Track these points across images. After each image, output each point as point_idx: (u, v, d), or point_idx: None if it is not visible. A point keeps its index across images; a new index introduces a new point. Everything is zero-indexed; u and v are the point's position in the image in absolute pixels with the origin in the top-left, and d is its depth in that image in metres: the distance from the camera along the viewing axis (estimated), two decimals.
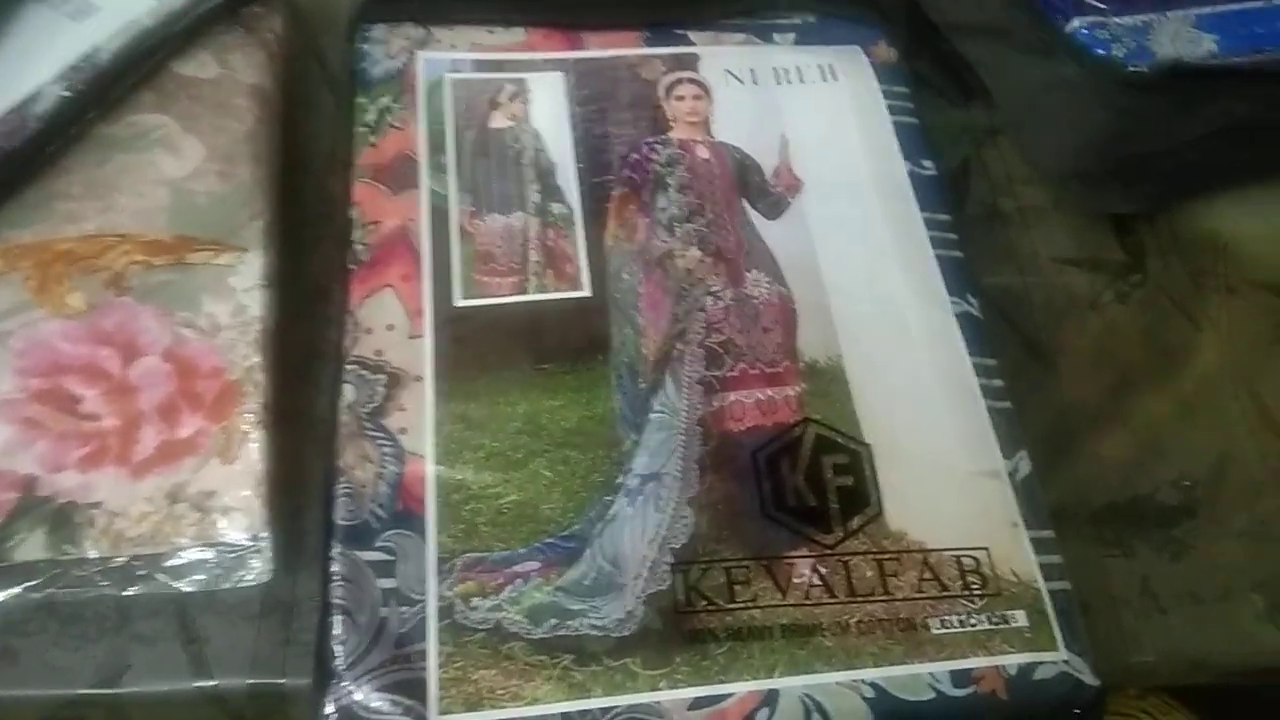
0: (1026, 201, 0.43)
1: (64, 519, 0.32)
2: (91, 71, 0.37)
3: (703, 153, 0.42)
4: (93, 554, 0.31)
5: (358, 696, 0.29)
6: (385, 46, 0.43)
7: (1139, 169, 0.40)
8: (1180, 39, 0.41)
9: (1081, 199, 0.42)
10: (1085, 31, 0.40)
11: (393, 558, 0.32)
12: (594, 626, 0.31)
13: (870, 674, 0.30)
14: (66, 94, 0.37)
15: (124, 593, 0.31)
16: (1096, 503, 0.36)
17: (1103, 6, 0.41)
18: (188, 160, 0.38)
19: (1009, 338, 0.39)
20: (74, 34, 0.38)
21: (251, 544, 0.32)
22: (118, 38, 0.38)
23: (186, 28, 0.40)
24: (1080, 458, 0.37)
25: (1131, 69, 0.39)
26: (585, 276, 0.38)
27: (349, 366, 0.35)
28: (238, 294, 0.36)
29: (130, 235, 0.36)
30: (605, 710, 0.29)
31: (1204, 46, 0.40)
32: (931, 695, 0.31)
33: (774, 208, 0.40)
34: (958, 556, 0.33)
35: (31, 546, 0.31)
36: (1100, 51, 0.40)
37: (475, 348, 0.36)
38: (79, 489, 0.32)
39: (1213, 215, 0.43)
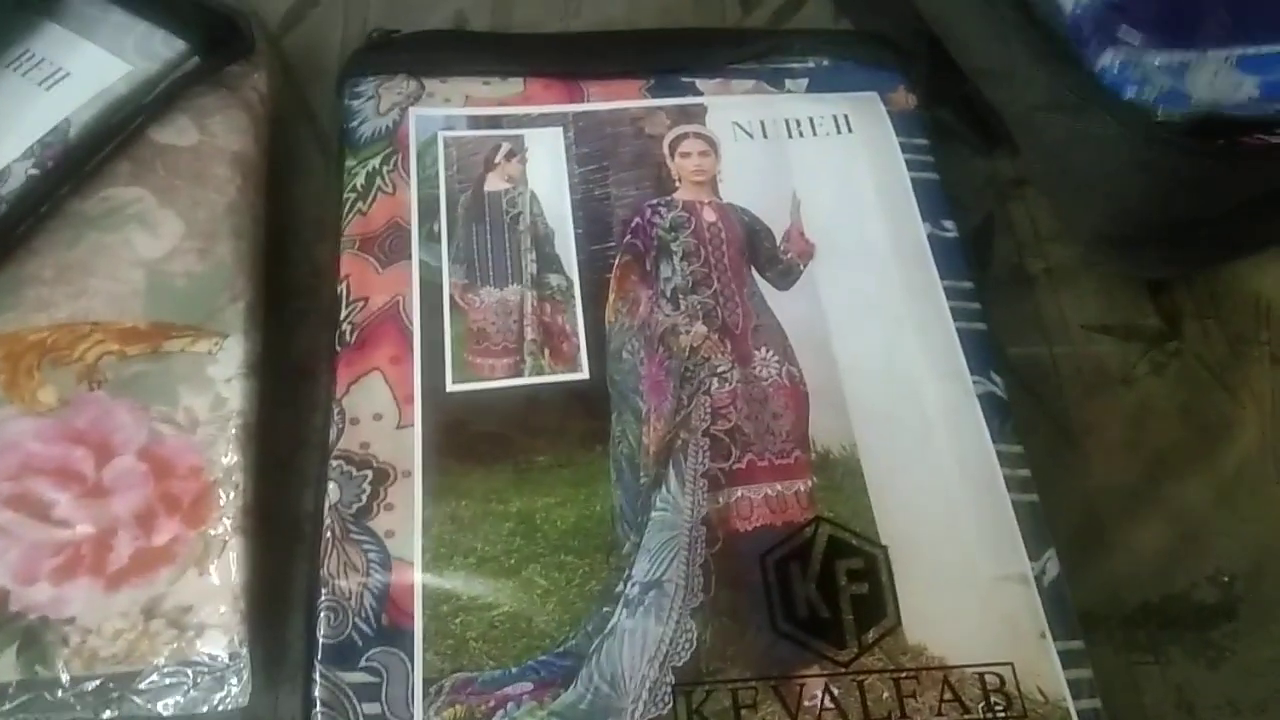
0: (1054, 261, 0.41)
1: (35, 637, 0.30)
2: (61, 146, 0.36)
3: (710, 215, 0.39)
4: (65, 676, 0.30)
5: None
6: (376, 102, 0.41)
7: (1178, 233, 0.37)
8: (1219, 81, 0.38)
9: (1114, 262, 0.40)
10: (1115, 71, 0.37)
11: (378, 679, 0.30)
12: None
13: None
14: (35, 172, 0.35)
15: (99, 717, 0.30)
16: (1129, 603, 0.34)
17: (1137, 39, 0.38)
18: (164, 238, 0.36)
19: (1036, 416, 0.37)
20: (44, 104, 0.36)
21: (230, 664, 0.30)
22: (90, 108, 0.36)
23: (162, 93, 0.38)
24: (1111, 551, 0.35)
25: (1162, 114, 0.36)
26: (584, 356, 0.36)
27: (334, 462, 0.33)
28: (217, 385, 0.34)
29: (103, 324, 0.34)
30: None
31: (1244, 91, 0.38)
32: None
33: (784, 277, 0.38)
34: (981, 674, 0.31)
35: (2, 668, 0.30)
36: (1131, 92, 0.37)
37: (467, 438, 0.34)
38: (51, 604, 0.31)
39: (1255, 275, 0.40)
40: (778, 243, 0.39)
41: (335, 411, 0.34)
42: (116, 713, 0.30)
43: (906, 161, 0.41)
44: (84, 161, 0.36)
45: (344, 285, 0.37)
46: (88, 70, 0.37)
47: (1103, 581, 0.34)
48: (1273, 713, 0.32)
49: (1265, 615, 0.34)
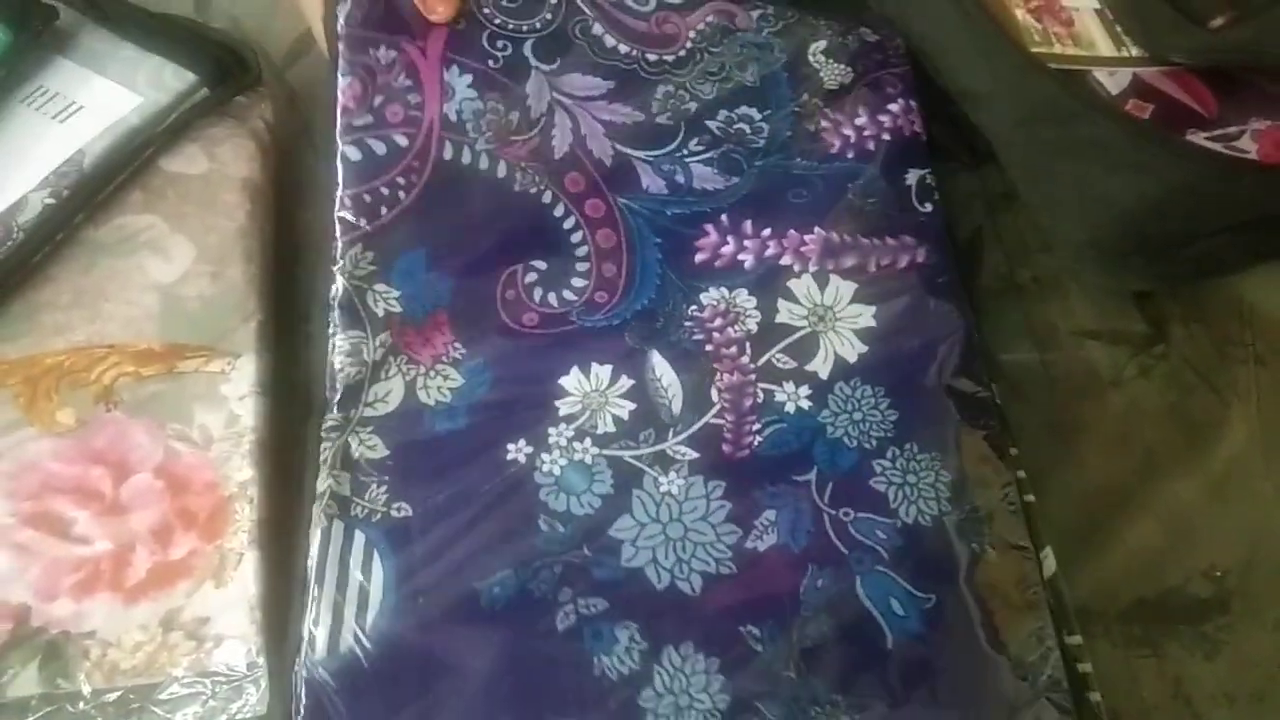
0: (1043, 271, 0.42)
1: (57, 651, 0.31)
2: (76, 176, 0.37)
3: None
4: (86, 688, 0.31)
5: None
6: None
7: (1168, 248, 0.38)
8: None
9: (1099, 276, 0.41)
10: None
11: None
12: None
13: None
14: (51, 201, 0.36)
15: None
16: (1124, 599, 0.35)
17: None
18: (177, 263, 0.37)
19: (1029, 419, 0.38)
20: (59, 137, 0.38)
21: (247, 673, 0.31)
22: (103, 139, 0.38)
23: (173, 124, 0.39)
24: (1106, 549, 0.36)
25: None
26: None
27: None
28: (230, 403, 0.35)
29: (119, 346, 0.35)
30: None
31: None
32: None
33: None
34: None
35: (25, 682, 0.31)
36: None
37: None
38: (72, 618, 0.32)
39: (1237, 280, 0.41)
40: None
41: None
42: None
43: None
44: (98, 190, 0.37)
45: None
46: (100, 103, 0.38)
47: (1098, 579, 0.35)
48: (1268, 701, 0.33)
49: (1257, 608, 0.35)
